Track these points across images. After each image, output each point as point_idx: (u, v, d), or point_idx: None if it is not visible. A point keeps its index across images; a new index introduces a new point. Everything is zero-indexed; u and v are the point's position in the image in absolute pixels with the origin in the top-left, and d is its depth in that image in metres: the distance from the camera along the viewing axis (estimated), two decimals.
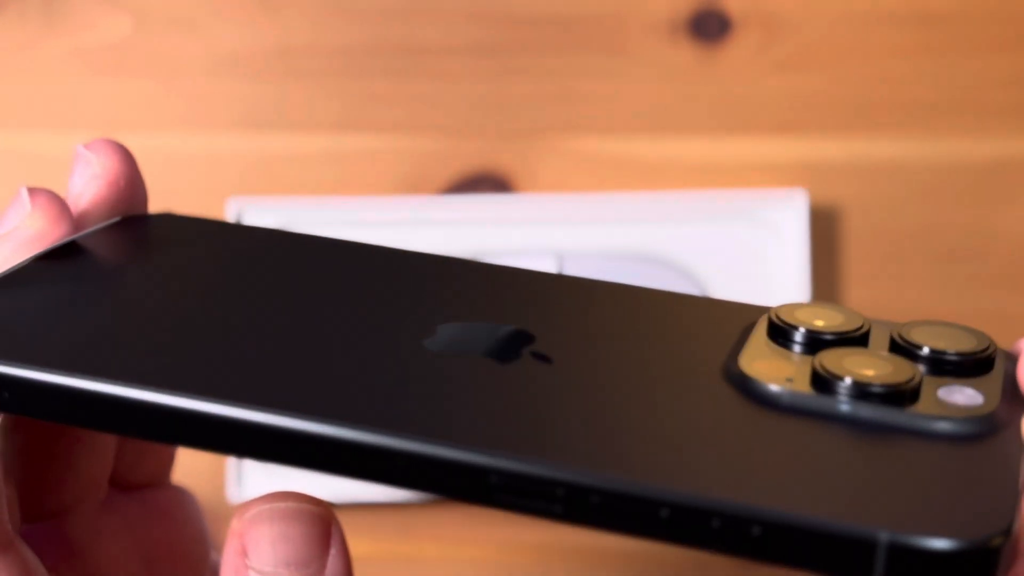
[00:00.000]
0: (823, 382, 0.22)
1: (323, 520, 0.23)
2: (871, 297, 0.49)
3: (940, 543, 0.19)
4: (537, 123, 0.49)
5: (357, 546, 0.48)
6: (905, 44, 0.49)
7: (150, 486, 0.30)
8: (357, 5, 0.49)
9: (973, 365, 0.23)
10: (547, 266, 0.47)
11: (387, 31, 0.49)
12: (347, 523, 0.49)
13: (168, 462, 0.31)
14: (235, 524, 0.23)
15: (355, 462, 0.21)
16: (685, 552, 0.48)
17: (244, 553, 0.23)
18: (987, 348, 0.24)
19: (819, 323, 0.24)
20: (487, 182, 0.49)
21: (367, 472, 0.22)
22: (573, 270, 0.47)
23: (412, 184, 0.49)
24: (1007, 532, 0.20)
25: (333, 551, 0.23)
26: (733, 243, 0.47)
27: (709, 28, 0.49)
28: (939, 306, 0.49)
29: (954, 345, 0.24)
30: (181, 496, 0.31)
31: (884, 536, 0.19)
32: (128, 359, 0.23)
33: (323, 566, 0.23)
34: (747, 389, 0.23)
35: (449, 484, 0.21)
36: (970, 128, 0.49)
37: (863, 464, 0.21)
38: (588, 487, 0.20)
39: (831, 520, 0.20)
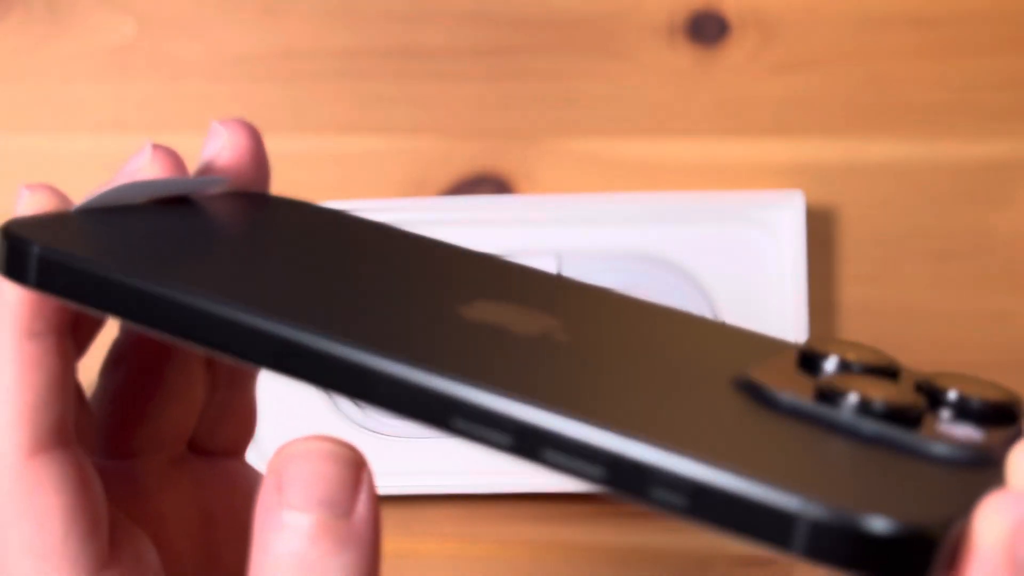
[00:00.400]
0: (826, 394, 0.22)
1: (356, 465, 0.24)
2: (867, 297, 0.49)
3: (863, 521, 0.18)
4: (537, 125, 0.49)
5: None
6: (901, 46, 0.49)
7: (224, 455, 0.32)
8: (359, 8, 0.50)
9: (991, 415, 0.22)
10: (547, 266, 0.47)
11: (389, 34, 0.50)
12: None
13: (246, 435, 0.32)
14: (273, 461, 0.24)
15: (330, 371, 0.23)
16: (686, 550, 0.48)
17: (279, 490, 0.24)
18: (1012, 404, 0.23)
19: (849, 355, 0.23)
20: (488, 183, 0.49)
21: (326, 377, 0.23)
22: (572, 270, 0.48)
23: (414, 185, 0.49)
24: (941, 526, 0.19)
25: (363, 496, 0.24)
26: (730, 244, 0.48)
27: (707, 31, 0.49)
28: (935, 306, 0.49)
29: (978, 395, 0.23)
30: (249, 470, 0.32)
31: (806, 506, 0.19)
32: (194, 277, 0.25)
33: (352, 509, 0.24)
34: (747, 391, 0.23)
35: (419, 408, 0.23)
36: (966, 129, 0.49)
37: (820, 454, 0.21)
38: (518, 419, 0.21)
39: (754, 479, 0.19)
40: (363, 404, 0.23)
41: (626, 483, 0.20)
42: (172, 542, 0.30)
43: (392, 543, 0.49)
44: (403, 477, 0.47)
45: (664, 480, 0.20)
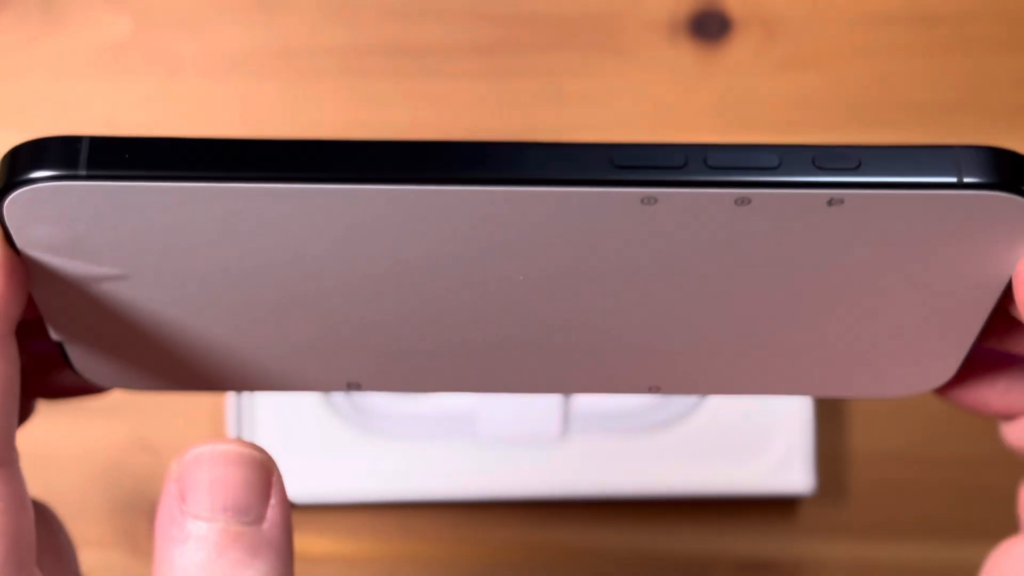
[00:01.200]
0: None
1: (264, 467, 0.23)
2: None
3: (1001, 151, 0.24)
4: (537, 123, 0.49)
5: (358, 546, 0.48)
6: (905, 45, 0.49)
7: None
8: (356, 5, 0.49)
9: None
10: None
11: (386, 31, 0.49)
12: (348, 523, 0.49)
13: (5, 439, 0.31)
14: (173, 468, 0.23)
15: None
16: (686, 554, 0.48)
17: (182, 498, 0.22)
18: None
19: None
20: None
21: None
22: None
23: None
24: None
25: (273, 501, 0.23)
26: None
27: (709, 28, 0.49)
28: None
29: None
30: (42, 506, 0.29)
31: (956, 148, 0.24)
32: None
33: (263, 515, 0.23)
34: None
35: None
36: (969, 128, 0.49)
37: None
38: None
39: (917, 144, 0.25)
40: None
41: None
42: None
43: (390, 546, 0.48)
44: (402, 482, 0.47)
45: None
